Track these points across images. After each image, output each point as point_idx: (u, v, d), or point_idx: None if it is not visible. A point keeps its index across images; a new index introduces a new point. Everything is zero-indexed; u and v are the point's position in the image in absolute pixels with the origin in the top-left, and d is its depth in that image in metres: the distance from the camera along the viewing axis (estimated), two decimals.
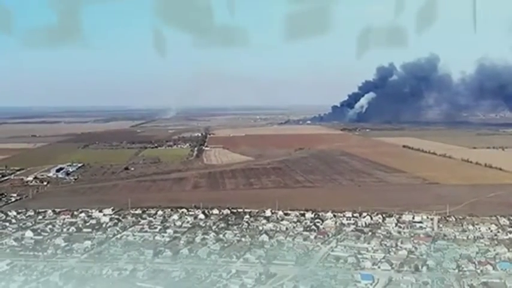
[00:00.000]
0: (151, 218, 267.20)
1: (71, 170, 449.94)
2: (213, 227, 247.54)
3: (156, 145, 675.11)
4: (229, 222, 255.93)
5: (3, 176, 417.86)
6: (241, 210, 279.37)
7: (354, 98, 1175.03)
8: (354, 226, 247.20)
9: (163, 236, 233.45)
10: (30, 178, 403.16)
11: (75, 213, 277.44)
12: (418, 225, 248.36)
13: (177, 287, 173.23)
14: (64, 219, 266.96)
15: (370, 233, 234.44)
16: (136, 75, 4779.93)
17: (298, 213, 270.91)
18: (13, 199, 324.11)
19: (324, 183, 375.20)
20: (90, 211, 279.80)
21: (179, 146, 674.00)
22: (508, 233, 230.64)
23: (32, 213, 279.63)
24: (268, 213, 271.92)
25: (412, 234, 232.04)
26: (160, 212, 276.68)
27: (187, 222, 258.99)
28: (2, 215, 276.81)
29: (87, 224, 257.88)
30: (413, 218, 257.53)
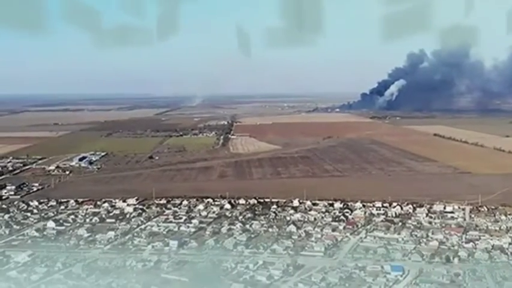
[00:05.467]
0: (176, 208, 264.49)
1: (94, 159, 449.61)
2: (240, 217, 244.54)
3: (181, 133, 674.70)
4: (256, 213, 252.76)
5: (24, 165, 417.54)
6: (268, 200, 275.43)
7: (384, 86, 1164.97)
8: (384, 216, 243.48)
9: (188, 227, 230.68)
10: (52, 167, 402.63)
11: (98, 203, 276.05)
12: (449, 215, 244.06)
13: (203, 278, 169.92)
14: (87, 209, 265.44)
15: (400, 224, 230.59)
16: (160, 62, 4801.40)
17: (326, 203, 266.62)
18: (35, 189, 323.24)
19: (353, 172, 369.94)
20: (113, 201, 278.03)
21: (205, 134, 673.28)
22: None
23: (54, 203, 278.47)
24: (296, 203, 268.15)
25: (444, 225, 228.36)
26: (185, 202, 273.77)
27: (213, 212, 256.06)
28: (24, 205, 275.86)
29: (111, 214, 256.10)
30: (444, 208, 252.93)
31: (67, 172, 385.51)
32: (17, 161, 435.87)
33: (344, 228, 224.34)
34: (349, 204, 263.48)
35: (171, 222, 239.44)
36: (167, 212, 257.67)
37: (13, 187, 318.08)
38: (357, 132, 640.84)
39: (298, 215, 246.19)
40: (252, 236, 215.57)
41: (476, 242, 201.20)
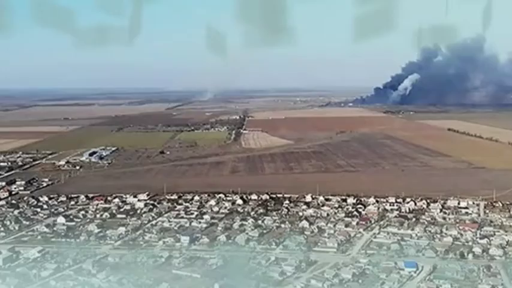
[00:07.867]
0: (187, 204, 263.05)
1: (104, 154, 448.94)
2: (252, 213, 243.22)
3: (192, 128, 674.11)
4: (268, 208, 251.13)
5: (34, 160, 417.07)
6: (280, 195, 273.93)
7: (397, 80, 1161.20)
8: (398, 212, 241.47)
9: (200, 222, 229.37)
10: (62, 162, 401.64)
11: (109, 198, 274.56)
12: (463, 211, 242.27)
13: (214, 274, 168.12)
14: (97, 204, 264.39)
15: (414, 219, 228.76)
16: (172, 56, 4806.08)
17: (339, 199, 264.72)
18: (45, 184, 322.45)
19: (366, 167, 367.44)
20: (124, 196, 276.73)
21: (216, 129, 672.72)
22: None
23: (64, 199, 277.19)
24: (308, 198, 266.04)
25: (458, 220, 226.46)
26: (197, 198, 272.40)
27: (225, 207, 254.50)
28: (34, 200, 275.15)
29: (121, 209, 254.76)
30: (458, 203, 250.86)
31: (77, 167, 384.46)
32: (27, 156, 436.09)
33: (357, 223, 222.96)
34: (362, 199, 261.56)
35: (182, 217, 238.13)
36: (178, 207, 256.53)
37: (23, 182, 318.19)
38: (370, 126, 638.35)
39: (310, 211, 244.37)
40: (264, 231, 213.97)
41: (491, 238, 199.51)
